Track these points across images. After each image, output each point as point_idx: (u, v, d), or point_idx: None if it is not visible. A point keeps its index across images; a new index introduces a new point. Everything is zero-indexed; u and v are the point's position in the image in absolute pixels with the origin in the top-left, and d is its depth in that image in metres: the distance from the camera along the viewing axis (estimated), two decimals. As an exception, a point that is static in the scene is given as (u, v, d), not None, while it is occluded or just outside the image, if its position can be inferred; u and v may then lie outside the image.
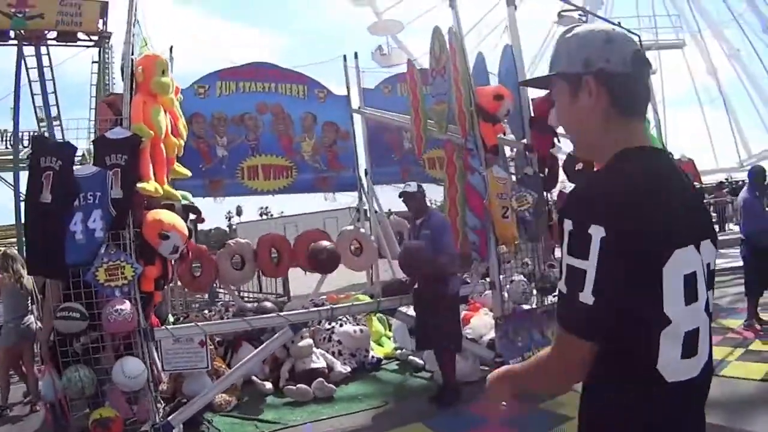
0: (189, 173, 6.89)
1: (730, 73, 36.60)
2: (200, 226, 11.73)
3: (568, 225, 1.59)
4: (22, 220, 16.49)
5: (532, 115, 8.34)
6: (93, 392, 5.56)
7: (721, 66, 37.11)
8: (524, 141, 8.30)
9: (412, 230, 7.48)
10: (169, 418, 5.82)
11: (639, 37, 14.21)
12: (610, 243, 1.50)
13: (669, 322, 1.58)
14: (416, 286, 7.14)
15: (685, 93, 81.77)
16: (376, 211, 11.13)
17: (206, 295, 14.07)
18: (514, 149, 8.62)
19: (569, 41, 1.80)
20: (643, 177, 1.63)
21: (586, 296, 1.53)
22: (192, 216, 7.10)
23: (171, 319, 8.14)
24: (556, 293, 1.76)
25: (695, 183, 11.87)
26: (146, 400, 5.81)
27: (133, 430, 5.73)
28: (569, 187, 12.48)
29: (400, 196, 7.24)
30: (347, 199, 11.60)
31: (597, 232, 1.51)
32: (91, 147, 6.82)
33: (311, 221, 16.82)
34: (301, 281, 13.11)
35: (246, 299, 12.31)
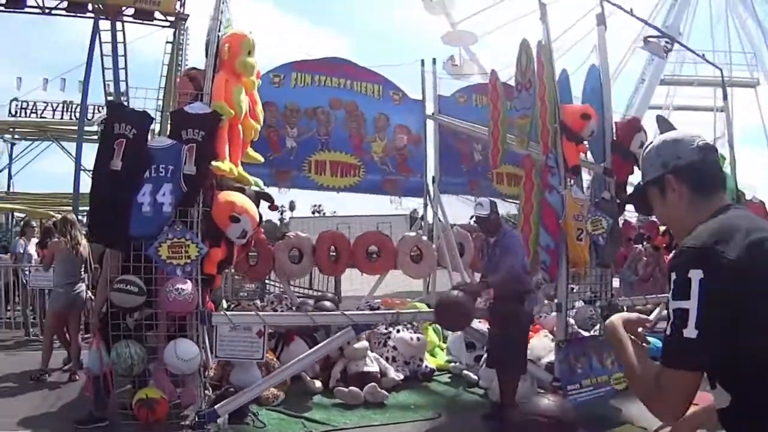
0: (261, 159, 6.77)
1: None
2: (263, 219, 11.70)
3: (672, 278, 1.78)
4: (82, 190, 16.92)
5: (614, 139, 8.07)
6: (141, 370, 5.44)
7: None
8: (604, 164, 8.04)
9: (485, 248, 7.24)
10: (216, 406, 5.66)
11: (721, 70, 13.88)
12: (708, 282, 1.68)
13: None
14: (493, 301, 6.87)
15: (755, 132, 79.93)
16: (440, 220, 10.86)
17: (255, 285, 13.98)
18: (592, 172, 8.34)
19: (649, 153, 2.13)
20: (730, 221, 1.86)
21: (690, 331, 1.69)
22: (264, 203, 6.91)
23: (224, 305, 8.01)
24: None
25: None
26: (194, 384, 5.66)
27: (176, 414, 5.57)
28: (635, 216, 12.27)
29: (474, 220, 7.00)
30: (412, 204, 11.44)
31: (696, 275, 1.70)
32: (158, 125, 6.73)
33: (365, 223, 16.67)
34: (350, 282, 12.99)
35: (296, 294, 12.16)
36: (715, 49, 31.60)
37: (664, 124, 11.60)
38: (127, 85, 19.70)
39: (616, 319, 2.14)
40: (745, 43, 33.80)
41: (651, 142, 2.16)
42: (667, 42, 10.75)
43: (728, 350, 1.70)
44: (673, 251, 1.94)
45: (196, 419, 5.50)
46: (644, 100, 29.24)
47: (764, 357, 1.69)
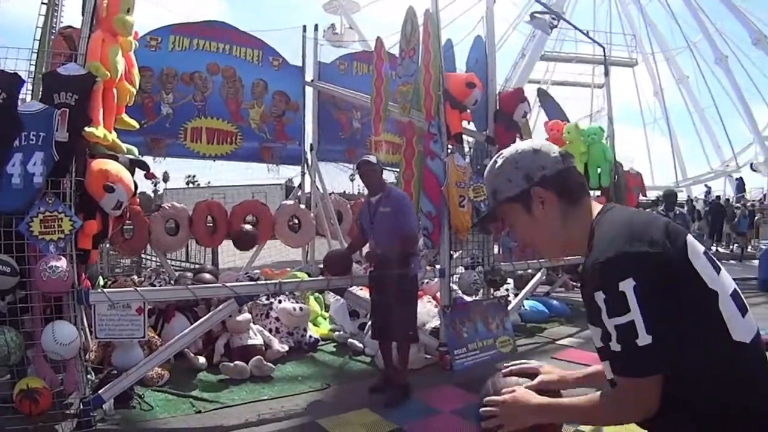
0: (136, 125, 6.37)
1: (677, 97, 38.04)
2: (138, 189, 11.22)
3: (599, 297, 1.68)
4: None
5: (498, 108, 8.25)
6: (19, 359, 5.00)
7: (668, 89, 38.33)
8: (486, 133, 8.20)
9: (367, 209, 6.57)
10: (100, 391, 5.35)
11: (604, 48, 14.47)
12: (642, 287, 1.61)
13: (717, 294, 1.70)
14: (372, 268, 6.64)
15: (631, 111, 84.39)
16: (318, 188, 10.79)
17: (129, 260, 13.45)
18: (474, 140, 8.51)
19: (503, 168, 1.98)
20: (629, 217, 1.82)
21: (644, 339, 1.60)
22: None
23: (101, 282, 7.62)
24: (608, 354, 1.75)
25: (641, 196, 12.28)
26: (75, 370, 5.32)
27: (60, 402, 5.22)
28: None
29: (358, 167, 6.52)
30: (290, 172, 11.28)
31: (627, 285, 1.62)
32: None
33: (239, 193, 16.34)
34: (228, 254, 12.73)
35: (173, 267, 11.78)
36: (597, 29, 33.07)
37: (545, 97, 11.99)
38: (-3, 48, 18.39)
39: (523, 395, 2.01)
40: (626, 26, 35.46)
41: (497, 158, 2.02)
42: (552, 18, 11.03)
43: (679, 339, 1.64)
44: (581, 272, 1.85)
45: (81, 407, 5.17)
46: (524, 74, 30.24)
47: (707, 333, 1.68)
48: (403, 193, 6.88)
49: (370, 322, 7.23)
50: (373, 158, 6.48)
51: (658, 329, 1.60)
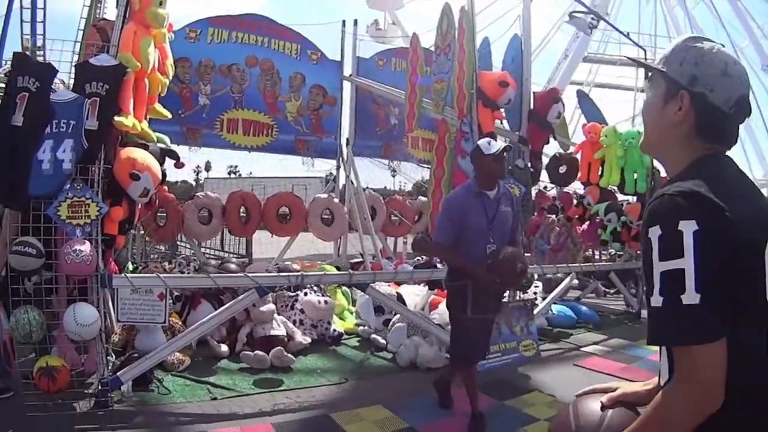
0: (169, 114, 6.47)
1: None
2: (167, 178, 11.42)
3: (655, 233, 1.48)
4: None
5: (532, 108, 8.18)
6: (41, 337, 5.14)
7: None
8: (519, 133, 8.14)
9: (481, 204, 5.07)
10: (119, 373, 5.46)
11: (645, 51, 14.25)
12: (705, 235, 1.40)
13: None
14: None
15: None
16: (352, 183, 10.83)
17: (166, 247, 13.70)
18: (507, 139, 8.45)
19: (689, 51, 1.70)
20: (724, 173, 1.60)
21: (690, 296, 1.38)
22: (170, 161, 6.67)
23: (131, 267, 7.77)
24: (647, 310, 1.53)
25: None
26: (96, 351, 5.45)
27: (80, 382, 5.35)
28: (549, 187, 12.54)
29: (504, 151, 5.12)
30: (325, 166, 11.37)
31: (689, 227, 1.41)
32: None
33: (280, 185, 16.52)
34: (264, 245, 12.85)
35: (207, 256, 11.96)
36: (641, 32, 32.47)
37: (584, 99, 11.86)
38: (44, 39, 18.72)
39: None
40: (671, 29, 34.80)
41: (703, 41, 1.71)
42: (592, 18, 10.95)
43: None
44: (651, 199, 1.57)
45: (99, 387, 5.30)
46: (566, 75, 29.90)
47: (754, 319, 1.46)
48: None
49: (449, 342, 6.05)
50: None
51: (709, 291, 1.39)
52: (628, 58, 6.30)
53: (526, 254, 4.91)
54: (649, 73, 1.83)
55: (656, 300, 1.45)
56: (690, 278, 1.38)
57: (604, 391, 1.85)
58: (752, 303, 1.46)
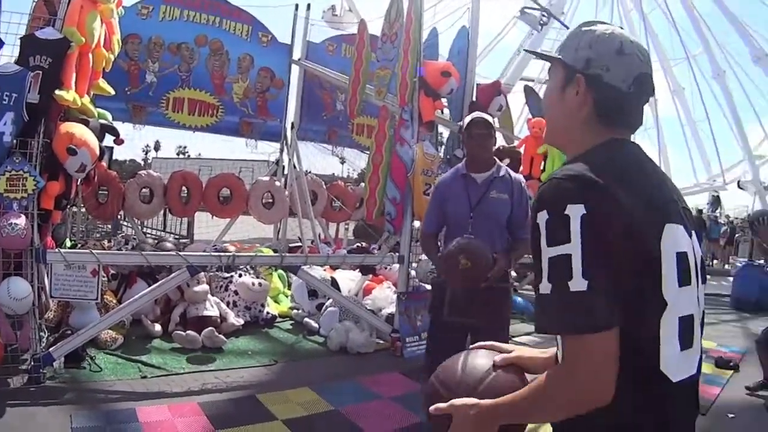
0: (112, 91, 6.41)
1: (671, 108, 37.55)
2: (115, 156, 11.30)
3: (542, 217, 1.42)
4: None
5: (474, 100, 8.27)
6: (-25, 313, 5.13)
7: (662, 99, 38.14)
8: (460, 123, 8.24)
9: (464, 188, 4.25)
10: (51, 349, 5.45)
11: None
12: (592, 219, 1.35)
13: (665, 305, 1.41)
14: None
15: None
16: (295, 167, 10.85)
17: (109, 226, 13.53)
18: (447, 129, 8.57)
19: (583, 35, 1.66)
20: (619, 155, 1.55)
21: (577, 283, 1.33)
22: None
23: (68, 243, 7.70)
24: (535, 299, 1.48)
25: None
26: (29, 327, 5.43)
27: (14, 357, 5.33)
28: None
29: (467, 127, 4.28)
30: (269, 149, 11.34)
31: (576, 211, 1.36)
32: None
33: (227, 167, 16.45)
34: (207, 227, 12.80)
35: (148, 236, 11.87)
36: None
37: (531, 95, 12.03)
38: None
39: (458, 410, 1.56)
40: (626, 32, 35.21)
41: (596, 25, 1.68)
42: (543, 15, 11.05)
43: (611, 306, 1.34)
44: (541, 184, 1.51)
45: (32, 363, 5.27)
46: (517, 70, 30.00)
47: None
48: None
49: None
50: (490, 118, 4.40)
51: (598, 277, 1.33)
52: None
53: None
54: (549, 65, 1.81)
55: (544, 287, 1.40)
56: (577, 264, 1.33)
57: (503, 351, 1.77)
58: (649, 292, 1.41)
